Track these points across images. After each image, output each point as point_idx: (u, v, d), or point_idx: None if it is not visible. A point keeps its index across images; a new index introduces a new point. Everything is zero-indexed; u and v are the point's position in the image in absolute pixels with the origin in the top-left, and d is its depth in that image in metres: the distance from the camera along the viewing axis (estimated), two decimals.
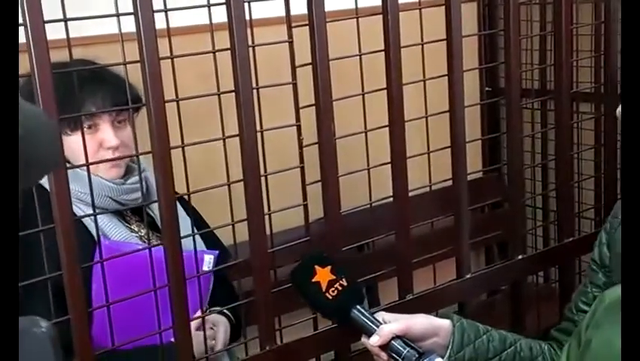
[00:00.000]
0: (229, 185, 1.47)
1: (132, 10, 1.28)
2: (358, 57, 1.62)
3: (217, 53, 1.42)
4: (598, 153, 2.39)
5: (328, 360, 1.95)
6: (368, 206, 1.71)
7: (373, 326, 1.37)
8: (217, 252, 1.61)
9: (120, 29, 1.29)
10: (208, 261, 1.58)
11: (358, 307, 1.40)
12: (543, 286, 2.92)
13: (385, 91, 1.62)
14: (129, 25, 1.29)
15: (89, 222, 1.49)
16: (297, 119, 1.57)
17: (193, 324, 1.47)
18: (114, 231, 1.58)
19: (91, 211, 1.39)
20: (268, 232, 1.53)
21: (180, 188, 1.44)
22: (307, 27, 1.50)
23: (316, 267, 1.41)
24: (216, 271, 1.60)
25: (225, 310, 1.65)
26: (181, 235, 1.39)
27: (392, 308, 1.62)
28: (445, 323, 1.40)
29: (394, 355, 1.34)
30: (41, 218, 1.28)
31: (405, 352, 1.33)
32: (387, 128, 1.64)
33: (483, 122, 3.00)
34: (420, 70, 1.70)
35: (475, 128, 2.89)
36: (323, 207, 1.58)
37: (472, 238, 1.82)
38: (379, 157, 1.65)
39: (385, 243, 1.90)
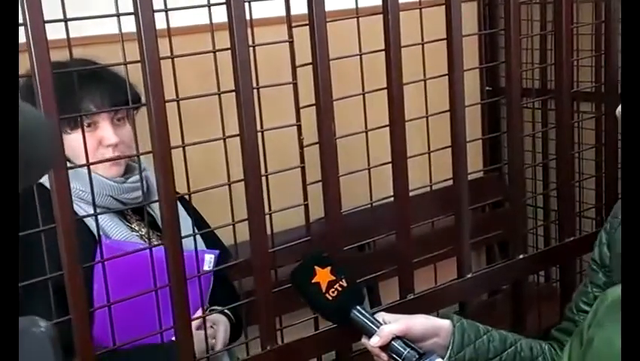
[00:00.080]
0: (229, 185, 1.47)
1: (132, 10, 1.28)
2: (359, 57, 1.62)
3: (217, 53, 1.42)
4: (599, 152, 2.39)
5: (329, 360, 1.95)
6: (369, 206, 1.71)
7: (373, 327, 1.37)
8: (217, 252, 1.61)
9: (120, 29, 1.29)
10: (209, 261, 1.58)
11: (358, 307, 1.40)
12: (544, 286, 2.92)
13: (386, 91, 1.62)
14: (129, 25, 1.29)
15: (90, 221, 1.49)
16: (298, 119, 1.57)
17: (194, 324, 1.47)
18: (114, 230, 1.59)
19: (92, 210, 1.40)
20: (269, 231, 1.53)
21: (180, 188, 1.44)
22: (307, 27, 1.50)
23: (316, 267, 1.41)
24: (216, 271, 1.60)
25: (225, 310, 1.65)
26: (182, 234, 1.39)
27: (393, 308, 1.62)
28: (445, 324, 1.40)
29: (394, 355, 1.34)
30: (42, 217, 1.28)
31: (405, 352, 1.33)
32: (387, 128, 1.63)
33: (484, 122, 3.00)
34: (420, 69, 1.70)
35: (476, 128, 2.89)
36: (324, 207, 1.58)
37: (473, 238, 1.82)
38: (379, 157, 1.65)
39: (386, 243, 1.90)
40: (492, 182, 3.03)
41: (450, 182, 1.77)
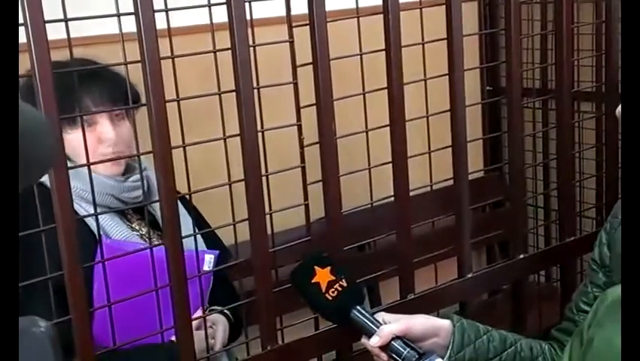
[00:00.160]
0: (230, 185, 1.47)
1: (132, 10, 1.28)
2: (359, 57, 1.62)
3: (217, 53, 1.42)
4: (599, 152, 2.38)
5: (330, 360, 1.95)
6: (369, 206, 1.71)
7: (373, 327, 1.37)
8: (217, 252, 1.61)
9: (120, 29, 1.29)
10: (209, 261, 1.58)
11: (358, 307, 1.40)
12: (544, 286, 2.92)
13: (386, 90, 1.62)
14: (129, 25, 1.29)
15: (90, 220, 1.49)
16: (298, 118, 1.57)
17: (193, 324, 1.47)
18: (115, 229, 1.59)
19: (92, 209, 1.40)
20: (269, 231, 1.53)
21: (181, 187, 1.44)
22: (308, 27, 1.50)
23: (316, 268, 1.41)
24: (216, 271, 1.60)
25: (225, 310, 1.65)
26: (182, 234, 1.39)
27: (394, 308, 1.62)
28: (445, 324, 1.40)
29: (394, 355, 1.34)
30: (42, 216, 1.28)
31: (405, 352, 1.33)
32: (388, 128, 1.63)
33: (484, 122, 3.00)
34: (421, 69, 1.70)
35: (476, 128, 2.89)
36: (324, 206, 1.58)
37: (473, 238, 1.82)
38: (380, 157, 1.65)
39: (386, 242, 1.90)
40: (493, 182, 3.03)
41: (451, 182, 1.77)
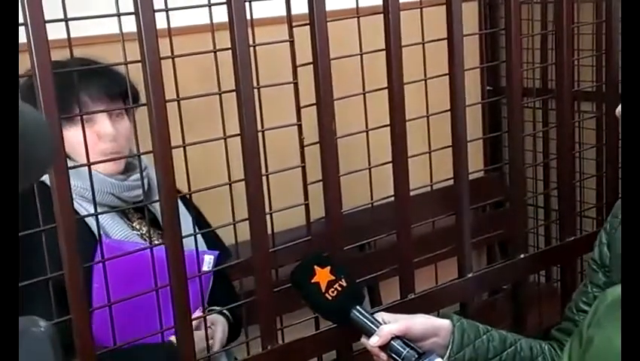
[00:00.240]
0: (230, 184, 1.47)
1: (132, 10, 1.28)
2: (359, 56, 1.62)
3: (217, 53, 1.42)
4: (599, 151, 2.39)
5: (330, 360, 1.95)
6: (369, 205, 1.71)
7: (373, 327, 1.37)
8: (217, 252, 1.61)
9: (120, 29, 1.29)
10: (208, 261, 1.58)
11: (358, 307, 1.40)
12: (544, 286, 2.91)
13: (386, 90, 1.62)
14: (129, 25, 1.29)
15: (90, 219, 1.49)
16: (298, 118, 1.57)
17: (193, 324, 1.47)
18: (115, 229, 1.59)
19: (92, 208, 1.40)
20: (269, 231, 1.54)
21: (181, 187, 1.44)
22: (308, 26, 1.50)
23: (316, 267, 1.41)
24: (216, 271, 1.60)
25: (224, 310, 1.65)
26: (182, 233, 1.39)
27: (394, 308, 1.63)
28: (445, 323, 1.40)
29: (393, 355, 1.34)
30: (42, 215, 1.28)
31: (405, 352, 1.33)
32: (388, 128, 1.64)
33: (485, 122, 2.99)
34: (421, 69, 1.70)
35: (476, 128, 2.88)
36: (324, 206, 1.58)
37: (473, 238, 1.82)
38: (380, 156, 1.65)
39: (387, 242, 1.90)
40: (493, 182, 3.03)
41: (451, 182, 1.77)
